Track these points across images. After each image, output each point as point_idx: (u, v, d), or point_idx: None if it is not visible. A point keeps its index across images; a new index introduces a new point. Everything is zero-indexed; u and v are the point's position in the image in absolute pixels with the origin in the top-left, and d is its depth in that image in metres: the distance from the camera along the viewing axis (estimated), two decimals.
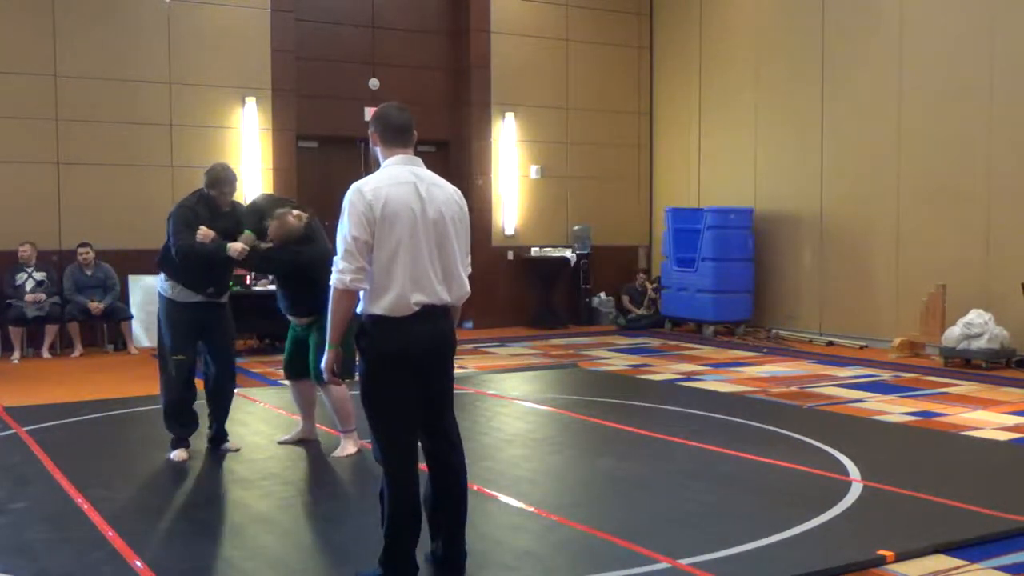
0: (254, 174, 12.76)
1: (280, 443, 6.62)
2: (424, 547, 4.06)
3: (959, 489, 5.40)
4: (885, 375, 9.73)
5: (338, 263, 3.80)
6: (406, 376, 3.87)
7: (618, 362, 10.80)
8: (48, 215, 11.72)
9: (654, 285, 14.50)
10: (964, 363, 10.19)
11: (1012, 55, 10.55)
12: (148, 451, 6.58)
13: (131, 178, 12.10)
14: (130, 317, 11.58)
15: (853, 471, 5.80)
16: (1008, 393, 8.68)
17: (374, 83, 13.60)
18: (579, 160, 14.92)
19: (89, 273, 11.36)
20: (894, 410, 7.90)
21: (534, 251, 14.26)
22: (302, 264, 6.14)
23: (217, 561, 4.35)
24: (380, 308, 3.82)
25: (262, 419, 7.60)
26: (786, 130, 13.17)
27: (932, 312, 10.77)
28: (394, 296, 3.80)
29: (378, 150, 4.03)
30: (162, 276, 6.20)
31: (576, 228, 14.60)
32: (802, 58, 12.87)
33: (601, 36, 14.97)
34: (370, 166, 13.81)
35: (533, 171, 14.53)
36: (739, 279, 13.11)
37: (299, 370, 6.47)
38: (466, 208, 4.09)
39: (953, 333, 10.24)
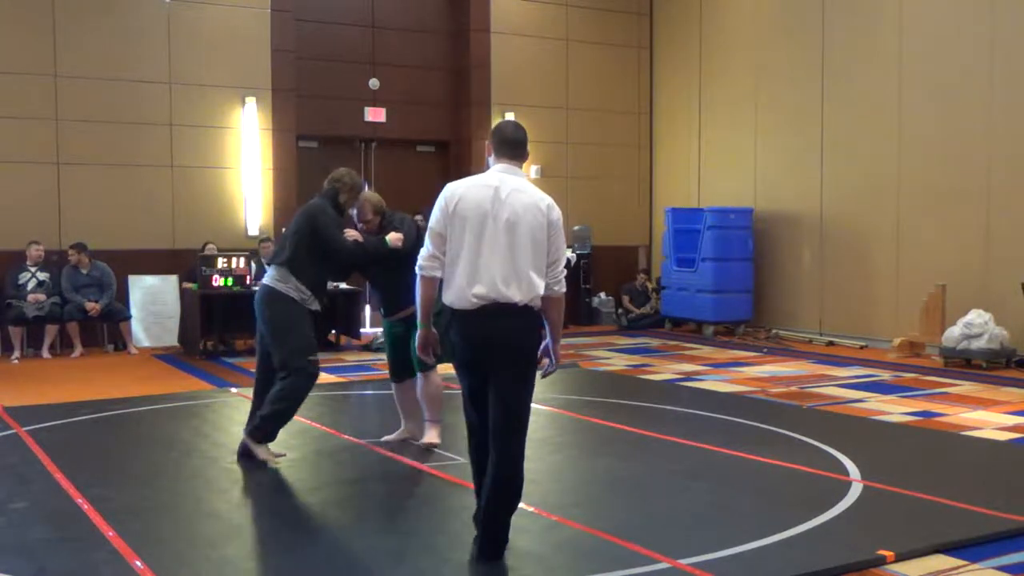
0: (254, 174, 12.76)
1: (382, 442, 6.53)
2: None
3: (959, 489, 5.39)
4: (885, 375, 9.73)
5: (422, 250, 4.22)
6: (467, 365, 4.24)
7: (618, 362, 10.80)
8: (48, 215, 11.73)
9: (652, 286, 14.51)
10: (964, 363, 10.19)
11: (1012, 55, 10.55)
12: (148, 451, 6.59)
13: (131, 178, 12.11)
14: (129, 317, 11.58)
15: (853, 471, 5.80)
16: (1008, 393, 8.68)
17: (374, 83, 13.61)
18: (579, 160, 14.93)
19: (85, 272, 11.36)
20: (894, 410, 7.90)
21: None
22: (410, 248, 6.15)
23: (217, 561, 4.35)
24: (447, 299, 4.19)
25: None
26: (786, 130, 13.17)
27: (932, 312, 10.77)
28: (456, 288, 4.14)
29: (490, 159, 4.37)
30: (284, 277, 5.97)
31: (576, 228, 14.60)
32: (802, 58, 12.87)
33: (601, 36, 14.98)
34: (369, 167, 13.90)
35: (533, 171, 14.53)
36: (739, 279, 13.12)
37: (403, 371, 6.44)
38: (554, 216, 4.22)
39: (953, 333, 10.24)
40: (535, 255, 4.14)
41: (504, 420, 4.17)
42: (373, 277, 6.48)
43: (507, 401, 4.17)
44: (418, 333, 4.30)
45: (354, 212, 6.29)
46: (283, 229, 6.52)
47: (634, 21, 15.28)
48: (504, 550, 4.29)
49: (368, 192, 6.40)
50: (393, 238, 6.12)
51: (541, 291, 4.17)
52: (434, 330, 4.30)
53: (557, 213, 4.23)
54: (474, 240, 4.10)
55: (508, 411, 4.18)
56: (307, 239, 5.95)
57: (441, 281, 4.21)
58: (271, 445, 6.12)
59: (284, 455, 6.14)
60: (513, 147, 4.30)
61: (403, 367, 6.41)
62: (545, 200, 4.24)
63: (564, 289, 4.27)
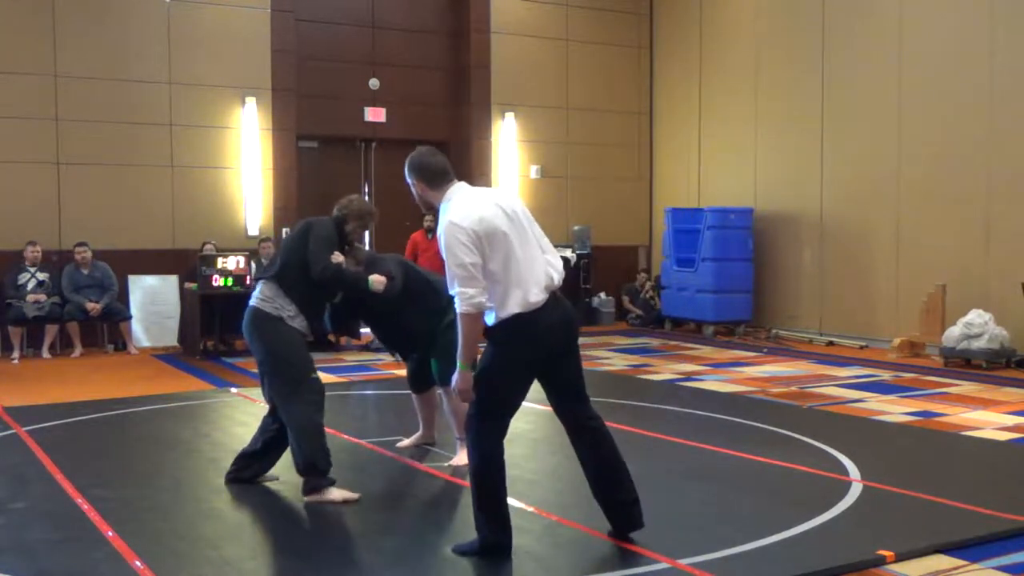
0: (254, 174, 12.76)
1: (399, 447, 6.45)
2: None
3: (959, 489, 5.40)
4: (885, 375, 9.73)
5: (464, 291, 4.12)
6: (534, 361, 4.31)
7: (618, 362, 10.80)
8: (48, 215, 11.73)
9: (651, 284, 14.53)
10: (964, 363, 10.19)
11: (1012, 55, 10.55)
12: (148, 451, 6.59)
13: (131, 178, 12.11)
14: (129, 317, 11.58)
15: (853, 471, 5.80)
16: (1008, 393, 8.68)
17: (374, 83, 13.61)
18: (579, 160, 14.92)
19: (86, 272, 11.36)
20: (894, 410, 7.90)
21: None
22: (412, 283, 5.97)
23: (217, 561, 4.35)
24: (511, 310, 4.20)
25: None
26: (786, 130, 13.17)
27: (932, 312, 10.77)
28: (518, 296, 4.20)
29: (428, 195, 4.42)
30: (272, 295, 5.46)
31: (576, 228, 14.60)
32: (802, 58, 12.87)
33: (601, 36, 14.98)
34: (369, 167, 13.88)
35: (533, 171, 14.54)
36: (739, 279, 13.11)
37: (422, 385, 6.35)
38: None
39: (953, 333, 10.24)
40: (543, 237, 4.42)
41: (584, 393, 4.52)
42: (375, 326, 6.23)
43: (581, 377, 4.51)
44: (462, 375, 4.22)
45: None
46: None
47: (634, 21, 15.28)
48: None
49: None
50: (376, 280, 5.70)
51: (560, 263, 4.41)
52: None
53: None
54: (514, 247, 4.22)
55: (583, 385, 4.52)
56: (301, 252, 5.47)
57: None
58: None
59: (277, 478, 5.61)
60: (448, 171, 4.43)
61: (422, 380, 6.33)
62: (515, 193, 4.50)
63: None
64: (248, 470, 5.66)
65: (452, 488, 5.61)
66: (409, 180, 4.44)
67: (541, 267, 4.27)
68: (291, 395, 5.33)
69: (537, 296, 4.22)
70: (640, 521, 4.47)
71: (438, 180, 4.38)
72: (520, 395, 4.37)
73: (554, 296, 4.29)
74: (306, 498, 5.26)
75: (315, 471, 5.26)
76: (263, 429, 5.66)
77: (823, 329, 12.64)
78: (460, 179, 4.47)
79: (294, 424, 5.31)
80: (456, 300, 4.15)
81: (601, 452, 4.47)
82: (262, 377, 5.53)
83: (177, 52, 12.30)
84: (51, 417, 7.53)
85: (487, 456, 4.29)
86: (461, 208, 4.23)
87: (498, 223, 4.21)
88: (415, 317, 5.94)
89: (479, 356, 4.35)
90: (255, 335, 5.44)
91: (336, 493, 5.25)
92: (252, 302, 5.52)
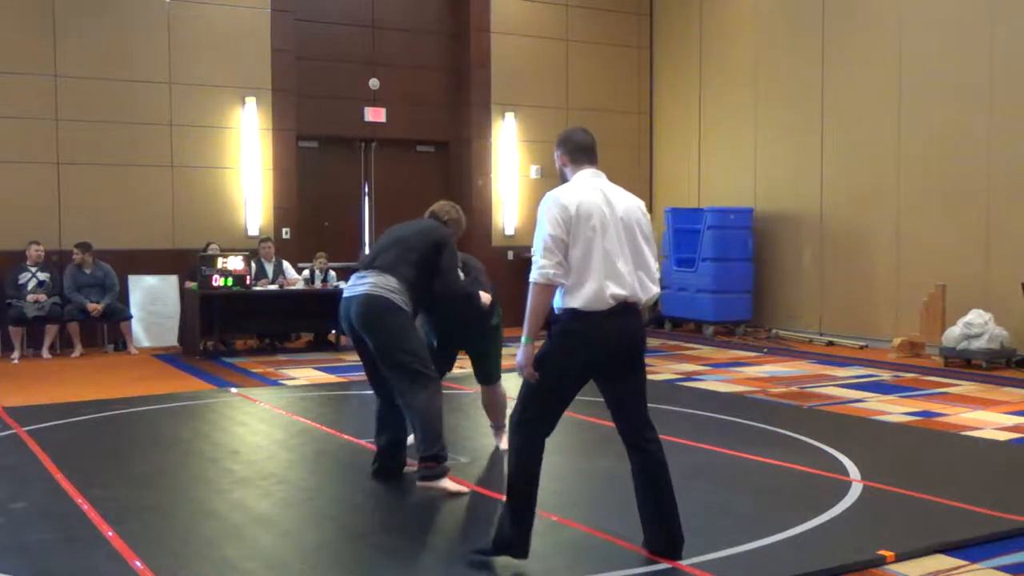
0: (254, 174, 12.76)
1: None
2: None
3: (959, 489, 5.39)
4: (885, 375, 9.73)
5: (539, 260, 4.13)
6: (584, 367, 4.24)
7: None
8: (48, 215, 11.73)
9: None
10: (964, 363, 10.19)
11: (1012, 55, 10.55)
12: (148, 451, 6.58)
13: (131, 178, 12.11)
14: (129, 317, 11.58)
15: (853, 471, 5.80)
16: (1008, 393, 8.68)
17: (374, 83, 13.61)
18: None
19: (88, 272, 11.36)
20: (894, 410, 7.90)
21: None
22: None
23: (217, 561, 4.35)
24: (577, 302, 4.14)
25: (262, 419, 7.60)
26: (786, 130, 13.17)
27: (932, 312, 10.77)
28: (589, 291, 4.13)
29: (567, 169, 4.42)
30: (403, 292, 5.39)
31: None
32: (802, 58, 12.87)
33: (601, 36, 14.98)
34: (369, 167, 13.88)
35: (533, 171, 14.53)
36: (739, 279, 13.11)
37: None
38: (648, 217, 4.40)
39: (953, 333, 10.24)
40: (648, 255, 4.31)
41: (646, 412, 4.37)
42: (436, 318, 6.11)
43: (643, 395, 4.38)
44: (526, 348, 4.22)
45: None
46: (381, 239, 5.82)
47: (634, 21, 15.28)
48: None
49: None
50: (486, 299, 5.93)
51: (657, 290, 4.31)
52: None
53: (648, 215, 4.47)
54: (603, 243, 4.16)
55: (646, 404, 4.38)
56: (428, 259, 5.46)
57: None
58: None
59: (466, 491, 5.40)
60: (590, 152, 4.42)
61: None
62: (641, 202, 4.41)
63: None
64: (394, 460, 5.74)
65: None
66: (556, 153, 4.48)
67: (626, 277, 4.17)
68: (414, 385, 5.29)
69: (604, 301, 4.12)
70: (677, 552, 4.30)
71: (577, 157, 4.39)
72: (567, 392, 4.30)
73: (626, 306, 4.17)
74: (420, 483, 5.30)
75: (435, 460, 5.27)
76: (383, 424, 5.69)
77: (823, 329, 12.65)
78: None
79: (419, 412, 5.28)
80: (532, 269, 4.17)
81: (648, 476, 4.35)
82: (375, 367, 5.46)
83: (177, 52, 12.30)
84: (51, 417, 7.53)
85: (523, 448, 4.27)
86: (571, 187, 4.27)
87: (594, 212, 4.17)
88: (479, 317, 6.02)
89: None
90: (381, 322, 5.33)
91: (450, 484, 5.29)
92: (370, 290, 5.37)
